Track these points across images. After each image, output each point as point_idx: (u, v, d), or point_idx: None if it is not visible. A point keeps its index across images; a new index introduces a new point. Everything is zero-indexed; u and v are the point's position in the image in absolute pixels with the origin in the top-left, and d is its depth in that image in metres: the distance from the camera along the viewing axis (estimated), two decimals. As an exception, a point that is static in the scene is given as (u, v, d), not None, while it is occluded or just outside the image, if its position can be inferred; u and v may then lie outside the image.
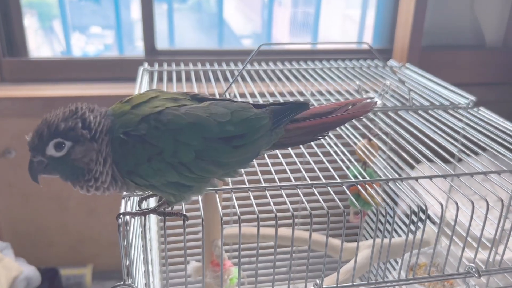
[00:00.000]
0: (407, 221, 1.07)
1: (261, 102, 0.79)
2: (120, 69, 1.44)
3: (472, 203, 0.56)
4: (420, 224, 0.64)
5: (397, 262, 1.09)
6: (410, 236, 1.06)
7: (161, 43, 1.49)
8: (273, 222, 0.53)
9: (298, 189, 0.58)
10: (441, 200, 0.59)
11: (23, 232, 1.46)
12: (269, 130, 0.49)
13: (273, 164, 0.64)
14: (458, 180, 0.62)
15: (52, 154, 0.46)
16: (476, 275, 0.55)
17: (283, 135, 0.50)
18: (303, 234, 0.97)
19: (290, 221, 0.55)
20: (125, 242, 0.45)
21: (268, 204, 0.54)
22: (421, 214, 0.62)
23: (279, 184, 0.58)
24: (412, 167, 0.73)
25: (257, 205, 0.54)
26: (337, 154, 0.72)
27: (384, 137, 0.93)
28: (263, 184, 0.59)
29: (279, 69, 1.00)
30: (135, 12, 1.51)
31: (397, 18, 1.52)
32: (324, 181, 0.60)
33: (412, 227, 0.96)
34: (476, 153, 0.73)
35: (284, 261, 1.19)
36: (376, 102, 0.87)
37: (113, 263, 1.51)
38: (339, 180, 0.61)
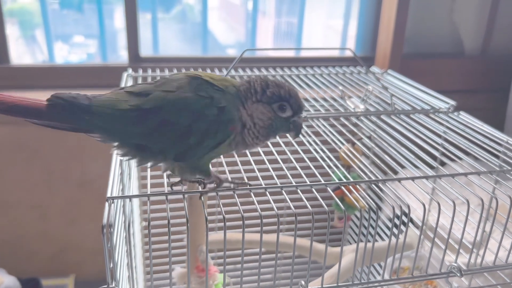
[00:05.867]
0: (390, 225, 1.08)
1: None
2: (103, 76, 1.43)
3: (454, 204, 0.57)
4: (404, 227, 0.65)
5: (381, 266, 1.09)
6: (394, 239, 1.07)
7: (145, 51, 1.49)
8: (259, 226, 0.53)
9: (283, 191, 0.58)
10: (424, 203, 0.59)
11: (3, 242, 1.43)
12: None
13: (259, 170, 0.64)
14: (441, 184, 0.63)
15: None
16: (458, 275, 0.56)
17: None
18: (288, 239, 0.97)
19: (275, 225, 0.55)
20: (109, 245, 0.45)
21: (254, 208, 0.54)
22: (404, 218, 0.63)
23: (264, 185, 0.58)
24: (395, 172, 0.74)
25: (243, 209, 0.54)
26: (323, 160, 0.72)
27: (368, 141, 0.94)
28: (249, 186, 0.58)
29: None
30: (119, 21, 1.51)
31: (379, 26, 1.55)
32: (308, 182, 0.60)
33: (396, 231, 0.97)
34: (459, 158, 0.74)
35: (269, 268, 1.19)
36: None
37: (96, 272, 1.48)
38: (323, 182, 0.61)
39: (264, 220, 0.53)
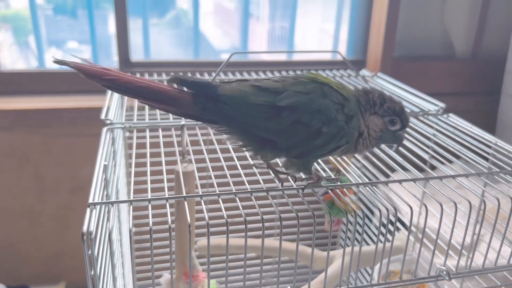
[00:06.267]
0: (382, 229, 1.08)
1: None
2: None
3: (441, 206, 0.57)
4: (395, 231, 0.64)
5: (368, 272, 1.09)
6: (384, 243, 1.07)
7: (138, 56, 1.48)
8: (251, 230, 0.53)
9: (268, 194, 0.57)
10: (414, 207, 0.59)
11: (-7, 250, 1.41)
12: None
13: (245, 174, 0.63)
14: (432, 187, 0.63)
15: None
16: (447, 278, 0.55)
17: None
18: (277, 244, 0.96)
19: (268, 229, 0.54)
20: (89, 252, 0.44)
21: (239, 213, 0.53)
22: (395, 221, 0.62)
23: (249, 189, 0.57)
24: (387, 175, 0.73)
25: (228, 214, 0.54)
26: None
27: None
28: (234, 190, 0.58)
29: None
30: (113, 26, 1.50)
31: (370, 30, 1.55)
32: (295, 186, 0.59)
33: (388, 234, 0.96)
34: (450, 161, 0.74)
35: (258, 273, 1.18)
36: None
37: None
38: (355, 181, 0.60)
39: (255, 225, 0.53)
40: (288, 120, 0.53)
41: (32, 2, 1.42)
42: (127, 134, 0.89)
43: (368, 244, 1.07)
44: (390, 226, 1.08)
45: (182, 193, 0.63)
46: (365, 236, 1.07)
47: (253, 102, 0.52)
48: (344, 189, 0.65)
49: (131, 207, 0.49)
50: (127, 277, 0.86)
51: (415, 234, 0.96)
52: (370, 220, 1.13)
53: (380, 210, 0.56)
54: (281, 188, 0.58)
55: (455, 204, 0.55)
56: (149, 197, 0.52)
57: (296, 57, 1.64)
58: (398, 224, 1.06)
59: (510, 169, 0.65)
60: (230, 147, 0.65)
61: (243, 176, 0.61)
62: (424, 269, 0.85)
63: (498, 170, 0.64)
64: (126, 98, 0.90)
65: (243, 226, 1.12)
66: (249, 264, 1.13)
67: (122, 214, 0.87)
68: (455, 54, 1.61)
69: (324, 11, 1.68)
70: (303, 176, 0.61)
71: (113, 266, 0.55)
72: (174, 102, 0.52)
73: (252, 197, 0.55)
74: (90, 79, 0.51)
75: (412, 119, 0.84)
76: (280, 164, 0.60)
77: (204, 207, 0.53)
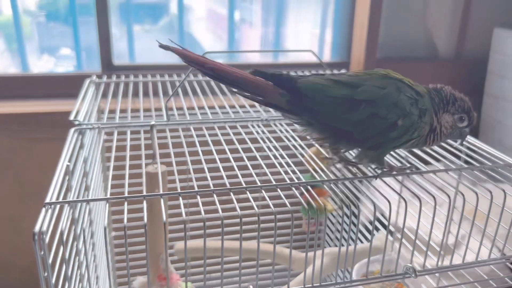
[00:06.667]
0: (365, 230, 1.07)
1: (210, 116, 0.78)
2: (77, 85, 1.41)
3: (420, 202, 0.56)
4: (375, 230, 0.64)
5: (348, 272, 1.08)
6: (365, 243, 1.06)
7: (126, 60, 1.48)
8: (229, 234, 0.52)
9: (247, 191, 0.56)
10: (394, 207, 0.58)
11: (-27, 257, 1.40)
12: None
13: (226, 176, 0.62)
14: (410, 186, 0.63)
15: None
16: (413, 275, 0.55)
17: None
18: (255, 246, 0.95)
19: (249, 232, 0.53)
20: (42, 252, 0.43)
21: (221, 210, 0.52)
22: (378, 221, 0.62)
23: (228, 186, 0.56)
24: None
25: (206, 211, 0.52)
26: (288, 165, 0.71)
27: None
28: (212, 188, 0.56)
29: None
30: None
31: (353, 32, 1.56)
32: (274, 183, 0.58)
33: (370, 233, 0.96)
34: (426, 162, 0.73)
35: (236, 277, 1.17)
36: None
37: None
38: (288, 182, 0.59)
39: (229, 224, 0.52)
40: (366, 113, 0.55)
41: (15, 9, 1.42)
42: (105, 136, 0.89)
43: (349, 244, 1.07)
44: (371, 225, 1.07)
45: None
46: (345, 235, 1.07)
47: (333, 95, 0.55)
48: (325, 188, 0.64)
49: (87, 206, 0.48)
50: (103, 279, 0.85)
51: (394, 235, 0.95)
52: (351, 220, 1.13)
53: (358, 209, 0.55)
54: (260, 185, 0.56)
55: (434, 198, 0.54)
56: (126, 194, 0.51)
57: (283, 59, 1.64)
58: (379, 224, 1.06)
59: (491, 164, 0.65)
60: (213, 148, 0.64)
61: (224, 176, 0.59)
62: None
63: (471, 166, 0.64)
64: (99, 100, 0.89)
65: (227, 227, 1.11)
66: (228, 268, 1.12)
67: (98, 215, 0.85)
68: (438, 55, 1.62)
69: (316, 15, 1.69)
70: (373, 167, 0.63)
71: (79, 267, 0.54)
72: (261, 92, 0.56)
73: (232, 195, 0.54)
74: (190, 64, 0.56)
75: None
76: (352, 157, 0.63)
77: (182, 206, 0.52)
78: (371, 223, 1.06)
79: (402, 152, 0.78)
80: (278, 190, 0.57)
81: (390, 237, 0.94)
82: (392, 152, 0.75)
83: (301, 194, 0.91)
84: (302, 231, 0.98)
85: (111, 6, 1.44)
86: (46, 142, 1.30)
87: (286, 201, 0.55)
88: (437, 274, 0.75)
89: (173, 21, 1.61)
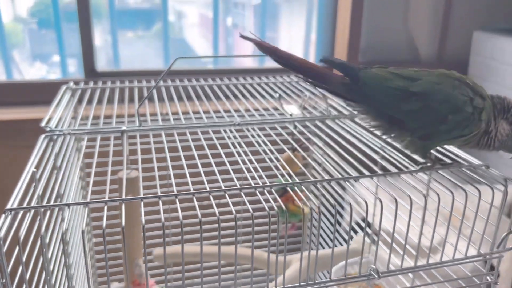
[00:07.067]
0: (345, 232, 1.07)
1: (183, 121, 0.78)
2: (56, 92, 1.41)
3: (396, 201, 0.57)
4: (354, 233, 0.64)
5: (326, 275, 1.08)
6: (343, 246, 1.06)
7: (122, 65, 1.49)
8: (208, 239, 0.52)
9: (226, 194, 0.56)
10: (370, 209, 0.59)
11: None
12: None
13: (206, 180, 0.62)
14: (383, 187, 0.63)
15: None
16: (377, 276, 0.55)
17: None
18: (233, 250, 0.95)
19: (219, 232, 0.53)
20: (1, 258, 0.43)
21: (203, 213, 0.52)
22: (350, 219, 0.62)
23: (208, 189, 0.56)
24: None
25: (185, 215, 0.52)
26: (263, 170, 0.71)
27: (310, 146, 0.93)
28: (192, 190, 0.56)
29: (200, 85, 0.99)
30: (98, 39, 1.51)
31: (335, 37, 1.57)
32: (253, 185, 0.58)
33: (346, 237, 0.96)
34: (397, 167, 0.73)
35: (216, 282, 1.17)
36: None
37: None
38: (268, 183, 0.60)
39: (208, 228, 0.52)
40: (417, 104, 0.60)
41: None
42: (83, 142, 0.89)
43: (336, 246, 1.07)
44: (359, 227, 1.08)
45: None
46: (331, 237, 1.07)
47: (389, 85, 0.60)
48: (306, 189, 0.65)
49: (86, 209, 0.49)
50: (81, 284, 0.85)
51: (371, 237, 0.96)
52: (327, 221, 1.13)
53: (336, 210, 0.56)
54: (239, 187, 0.57)
55: (410, 198, 0.55)
56: (106, 198, 0.52)
57: (267, 64, 1.65)
58: (359, 227, 1.06)
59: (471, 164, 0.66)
60: (195, 153, 0.64)
61: (204, 178, 0.59)
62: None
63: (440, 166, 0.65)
64: (73, 106, 0.89)
65: (206, 230, 1.10)
66: (208, 274, 1.12)
67: (76, 222, 0.85)
68: (420, 58, 1.64)
69: (308, 20, 1.70)
70: (419, 159, 0.66)
71: (47, 273, 0.54)
72: (325, 80, 0.62)
73: (211, 197, 0.54)
74: (265, 53, 0.64)
75: (359, 120, 0.84)
76: (400, 147, 0.66)
77: (162, 209, 0.52)
78: (358, 224, 1.07)
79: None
80: (257, 192, 0.57)
81: (367, 240, 0.94)
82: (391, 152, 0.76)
83: (280, 196, 0.91)
84: (281, 235, 0.99)
85: (103, 13, 1.45)
86: (20, 149, 1.29)
87: (264, 204, 0.55)
88: (410, 275, 0.76)
89: (167, 27, 1.62)
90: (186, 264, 1.08)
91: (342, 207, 1.15)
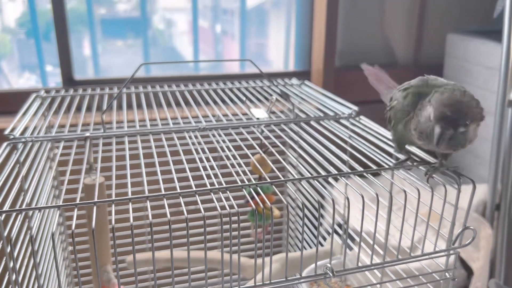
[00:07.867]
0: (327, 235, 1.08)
1: (149, 127, 0.78)
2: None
3: (363, 198, 0.57)
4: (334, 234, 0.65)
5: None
6: (320, 247, 1.06)
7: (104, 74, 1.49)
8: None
9: (196, 195, 0.56)
10: (340, 209, 0.59)
11: None
12: None
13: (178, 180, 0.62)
14: (352, 187, 0.64)
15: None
16: (332, 275, 0.56)
17: None
18: (202, 254, 0.95)
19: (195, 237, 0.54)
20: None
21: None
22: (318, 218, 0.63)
23: (178, 191, 0.57)
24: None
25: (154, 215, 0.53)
26: (237, 174, 0.71)
27: (284, 148, 0.95)
28: (163, 192, 0.57)
29: (171, 91, 1.00)
30: (87, 49, 1.52)
31: (312, 41, 1.59)
32: (225, 185, 0.59)
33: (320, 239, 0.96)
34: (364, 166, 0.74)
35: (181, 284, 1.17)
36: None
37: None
38: (240, 184, 0.60)
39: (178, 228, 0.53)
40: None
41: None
42: (58, 150, 0.89)
43: (305, 248, 1.08)
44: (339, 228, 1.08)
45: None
46: (312, 238, 1.08)
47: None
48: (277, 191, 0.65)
49: (57, 213, 0.49)
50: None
51: (342, 238, 0.97)
52: (288, 226, 1.14)
53: (303, 212, 0.57)
54: (209, 188, 0.57)
55: (377, 195, 0.56)
56: (78, 201, 0.52)
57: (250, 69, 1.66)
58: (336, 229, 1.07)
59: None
60: (170, 158, 0.65)
61: (175, 181, 0.60)
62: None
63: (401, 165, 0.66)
64: (39, 114, 0.90)
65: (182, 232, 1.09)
66: (179, 281, 1.12)
67: (46, 228, 0.85)
68: (397, 61, 1.66)
69: (287, 24, 1.72)
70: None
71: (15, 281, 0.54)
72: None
73: (181, 198, 0.55)
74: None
75: (331, 123, 0.86)
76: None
77: (131, 212, 0.53)
78: (340, 226, 1.08)
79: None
80: (228, 192, 0.57)
81: (338, 240, 0.95)
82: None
83: (248, 201, 0.92)
84: (252, 238, 0.99)
85: (91, 22, 1.46)
86: None
87: (234, 203, 0.56)
88: (377, 272, 0.77)
89: (156, 35, 1.63)
90: (163, 270, 1.08)
91: (316, 209, 1.16)
